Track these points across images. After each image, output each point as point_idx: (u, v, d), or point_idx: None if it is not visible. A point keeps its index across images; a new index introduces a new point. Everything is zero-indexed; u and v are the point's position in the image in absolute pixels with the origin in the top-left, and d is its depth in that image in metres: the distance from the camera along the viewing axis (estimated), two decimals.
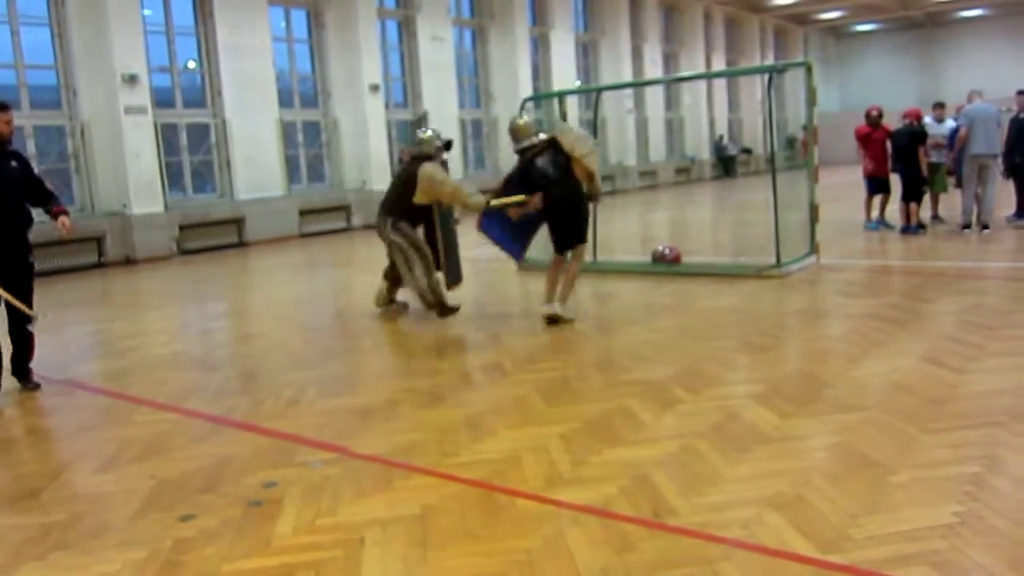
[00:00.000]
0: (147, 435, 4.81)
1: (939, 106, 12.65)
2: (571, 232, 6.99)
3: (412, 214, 7.47)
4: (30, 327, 5.88)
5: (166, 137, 15.05)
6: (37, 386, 5.97)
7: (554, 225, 7.09)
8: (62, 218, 5.95)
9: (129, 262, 13.83)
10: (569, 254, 7.10)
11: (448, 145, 7.70)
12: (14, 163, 5.83)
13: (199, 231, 15.02)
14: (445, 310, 7.57)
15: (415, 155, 7.52)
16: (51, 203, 6.02)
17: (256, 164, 16.13)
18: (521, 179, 7.15)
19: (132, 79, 13.75)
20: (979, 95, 11.45)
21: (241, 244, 15.60)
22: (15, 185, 5.78)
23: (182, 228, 14.73)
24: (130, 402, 5.58)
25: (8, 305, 5.77)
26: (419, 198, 7.31)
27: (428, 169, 7.26)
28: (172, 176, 15.40)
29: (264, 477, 4.03)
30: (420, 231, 7.64)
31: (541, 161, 6.93)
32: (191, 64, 16.01)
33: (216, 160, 15.86)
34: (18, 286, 5.79)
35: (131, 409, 5.41)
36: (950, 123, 12.43)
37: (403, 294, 7.98)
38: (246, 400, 5.45)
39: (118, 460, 4.43)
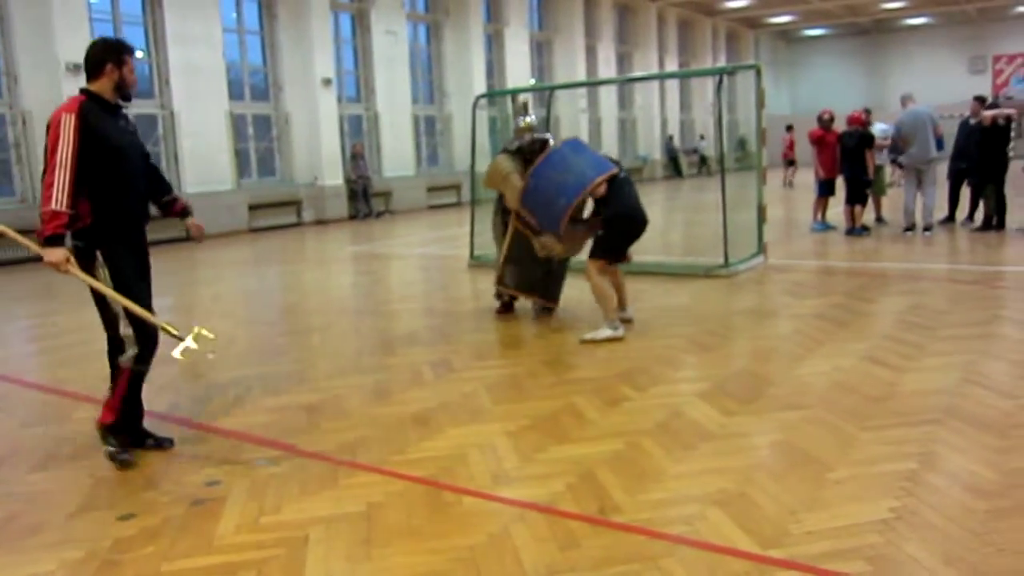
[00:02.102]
0: (86, 432, 4.69)
1: (866, 112, 12.93)
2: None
3: (502, 202, 7.28)
4: (176, 353, 4.12)
5: None
6: (169, 443, 4.42)
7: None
8: (192, 219, 4.69)
9: None
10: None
11: (542, 145, 6.99)
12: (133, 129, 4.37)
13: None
14: (500, 295, 7.55)
15: (505, 145, 7.26)
16: (166, 193, 4.61)
17: (204, 157, 15.87)
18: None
19: (77, 68, 13.39)
20: (912, 100, 11.71)
21: (188, 239, 15.24)
22: (145, 159, 4.40)
23: None
24: (69, 398, 5.46)
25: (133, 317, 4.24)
26: (485, 184, 7.10)
27: (495, 161, 7.01)
28: None
29: (208, 475, 3.98)
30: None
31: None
32: (138, 54, 15.70)
33: (163, 152, 15.57)
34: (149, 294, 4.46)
35: (70, 405, 5.30)
36: (880, 126, 12.77)
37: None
38: (191, 397, 5.37)
39: (56, 458, 4.33)
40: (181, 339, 4.15)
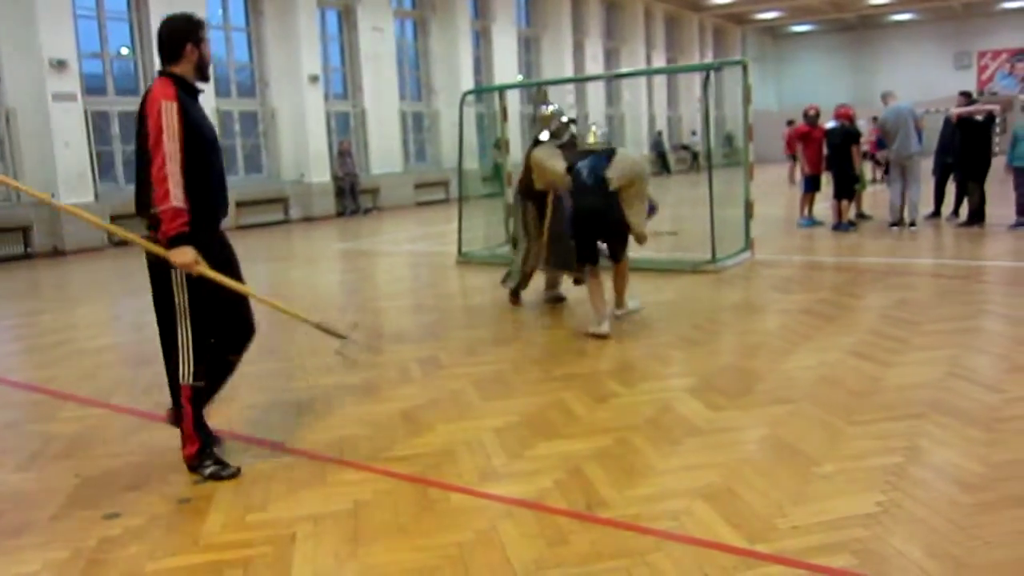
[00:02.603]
0: (72, 431, 4.68)
1: (842, 107, 12.98)
2: (603, 235, 6.51)
3: (532, 196, 7.21)
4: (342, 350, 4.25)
5: (97, 125, 14.64)
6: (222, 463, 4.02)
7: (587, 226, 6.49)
8: None
9: (57, 253, 13.44)
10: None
11: (568, 123, 7.16)
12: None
13: (132, 222, 14.36)
14: (515, 296, 7.65)
15: (535, 137, 7.25)
16: None
17: None
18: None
19: (61, 65, 13.34)
20: (893, 96, 11.77)
21: None
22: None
23: (113, 219, 14.31)
24: (55, 397, 5.42)
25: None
26: (539, 185, 6.96)
27: (536, 155, 6.89)
28: (104, 166, 14.99)
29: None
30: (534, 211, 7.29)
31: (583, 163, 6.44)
32: (124, 50, 15.60)
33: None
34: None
35: (56, 404, 5.26)
36: (860, 123, 12.86)
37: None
38: None
39: (41, 457, 4.31)
40: (341, 336, 4.21)
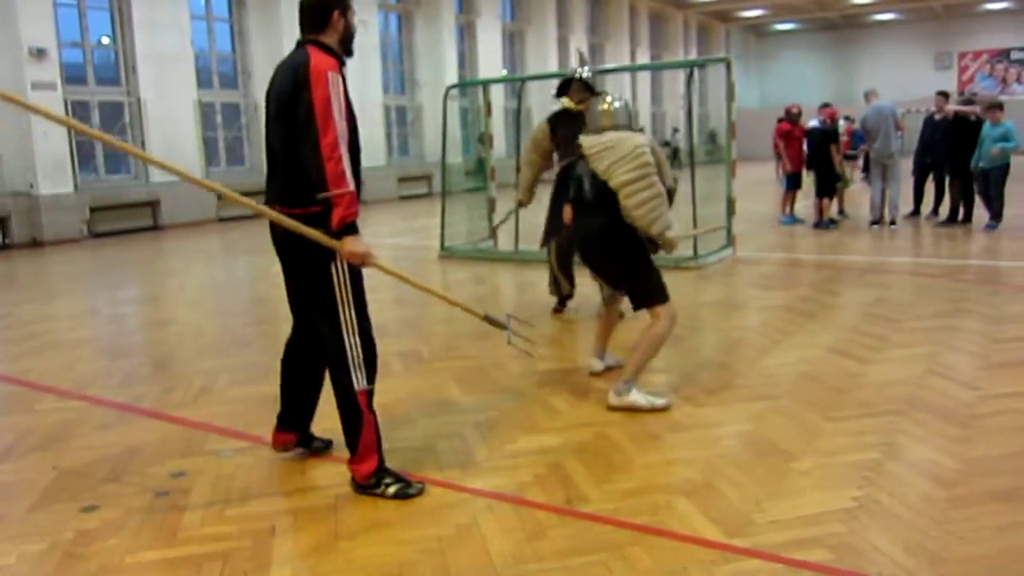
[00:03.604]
0: (49, 423, 4.64)
1: (825, 106, 13.05)
2: (604, 274, 4.86)
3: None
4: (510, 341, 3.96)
5: (77, 115, 14.48)
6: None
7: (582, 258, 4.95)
8: None
9: (36, 244, 13.31)
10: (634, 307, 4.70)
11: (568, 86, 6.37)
12: None
13: (112, 213, 14.53)
14: (560, 304, 7.02)
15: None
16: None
17: (172, 145, 15.64)
18: (559, 182, 6.11)
19: (40, 53, 13.18)
20: (875, 95, 11.85)
21: (156, 227, 15.16)
22: None
23: (93, 210, 14.23)
24: (32, 389, 5.38)
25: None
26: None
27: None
28: (83, 156, 14.86)
29: (173, 467, 3.93)
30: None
31: (583, 167, 4.74)
32: (104, 40, 15.45)
33: (130, 140, 15.34)
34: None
35: (33, 396, 5.21)
36: (841, 122, 12.96)
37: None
38: (156, 388, 5.30)
39: (17, 449, 4.26)
40: (504, 326, 3.98)
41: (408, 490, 3.49)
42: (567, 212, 4.96)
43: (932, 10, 35.18)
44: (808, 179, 12.63)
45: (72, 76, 14.59)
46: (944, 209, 12.01)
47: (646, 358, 4.53)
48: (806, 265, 9.34)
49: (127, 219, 14.79)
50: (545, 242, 6.82)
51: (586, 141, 4.60)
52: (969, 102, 12.38)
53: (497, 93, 19.27)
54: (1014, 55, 36.22)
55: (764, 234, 11.71)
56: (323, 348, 3.50)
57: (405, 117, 22.15)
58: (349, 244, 3.24)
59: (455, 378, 5.23)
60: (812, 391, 4.72)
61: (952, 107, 11.69)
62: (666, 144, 33.45)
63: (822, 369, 5.13)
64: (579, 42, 28.24)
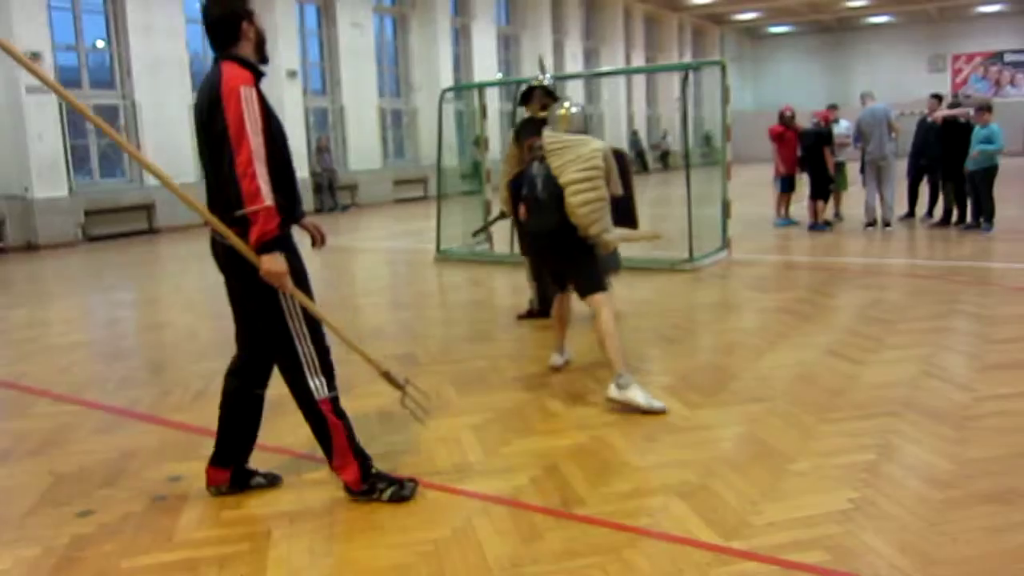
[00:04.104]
0: (45, 428, 4.63)
1: (833, 108, 13.07)
2: (553, 270, 5.24)
3: None
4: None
5: (71, 119, 14.46)
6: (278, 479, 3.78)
7: (534, 256, 5.54)
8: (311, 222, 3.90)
9: (30, 248, 13.28)
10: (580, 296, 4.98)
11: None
12: None
13: (107, 217, 14.51)
14: (530, 313, 6.94)
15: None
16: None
17: (168, 149, 15.59)
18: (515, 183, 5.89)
19: (35, 57, 13.15)
20: (871, 98, 11.89)
21: (151, 231, 15.14)
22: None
23: (88, 213, 14.21)
24: (27, 393, 5.37)
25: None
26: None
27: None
28: (78, 160, 14.83)
29: (169, 471, 3.93)
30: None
31: (537, 168, 4.97)
32: (99, 43, 15.43)
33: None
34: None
35: (28, 401, 5.20)
36: (844, 123, 12.94)
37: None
38: (152, 391, 5.30)
39: (13, 454, 4.26)
40: (402, 388, 3.77)
41: (402, 491, 3.48)
42: (521, 210, 5.15)
43: (926, 13, 35.27)
44: (801, 181, 12.65)
45: (67, 80, 14.55)
46: (938, 211, 12.05)
47: (614, 344, 4.64)
48: (801, 267, 9.36)
49: (122, 223, 14.77)
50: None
51: (548, 136, 4.88)
52: (956, 104, 12.41)
53: (492, 96, 19.28)
54: (1007, 57, 36.31)
55: (759, 236, 11.73)
56: (278, 363, 3.47)
57: (400, 120, 22.15)
58: (266, 262, 3.18)
59: (451, 381, 5.23)
60: (808, 393, 4.72)
61: (940, 113, 11.74)
62: (654, 147, 33.48)
63: (817, 371, 5.14)
64: (574, 45, 28.29)
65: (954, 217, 11.70)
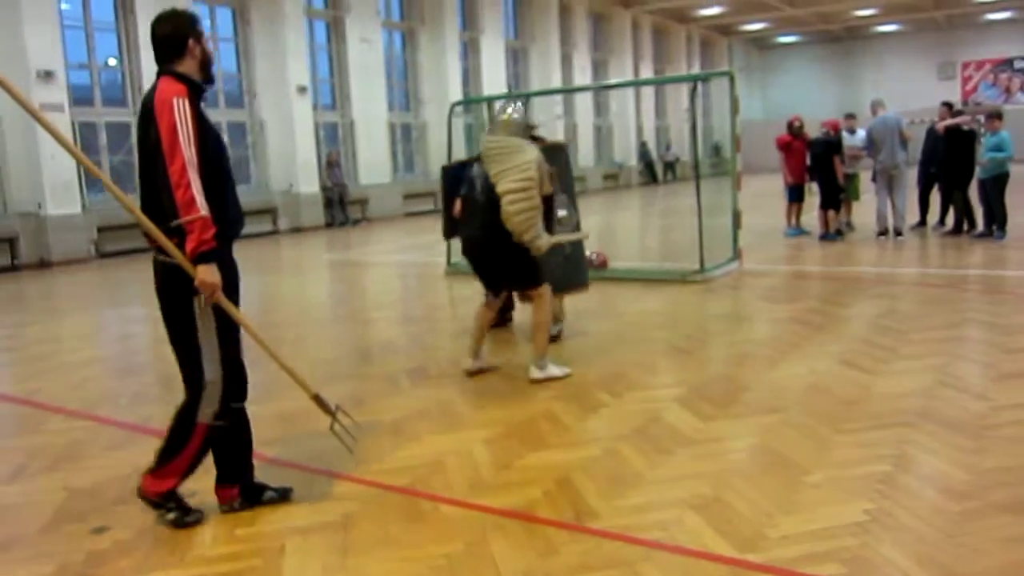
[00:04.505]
0: (59, 444, 4.64)
1: (850, 117, 13.03)
2: (489, 273, 5.55)
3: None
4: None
5: (84, 136, 14.59)
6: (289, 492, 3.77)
7: (469, 258, 5.64)
8: None
9: (44, 264, 13.37)
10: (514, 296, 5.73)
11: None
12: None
13: (120, 233, 14.57)
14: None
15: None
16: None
17: None
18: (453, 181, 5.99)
19: (48, 75, 13.28)
20: (882, 106, 11.87)
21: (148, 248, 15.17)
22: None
23: (101, 230, 14.30)
24: (41, 409, 5.39)
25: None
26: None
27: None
28: (91, 177, 14.91)
29: (183, 487, 3.92)
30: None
31: (476, 170, 5.40)
32: (111, 61, 15.56)
33: (137, 160, 15.41)
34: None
35: (42, 417, 5.22)
36: (861, 133, 12.89)
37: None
38: (164, 407, 5.28)
39: (27, 470, 4.27)
40: (331, 413, 3.77)
41: (185, 518, 3.49)
42: (457, 206, 5.50)
43: (935, 21, 35.23)
44: (812, 190, 12.62)
45: (79, 98, 14.69)
46: (950, 219, 12.00)
47: (545, 335, 5.36)
48: (813, 277, 9.33)
49: (135, 239, 14.76)
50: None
51: (488, 140, 5.24)
52: (958, 113, 12.37)
53: None
54: (1017, 64, 36.25)
55: (770, 246, 11.70)
56: (182, 374, 3.47)
57: (410, 134, 22.23)
58: (201, 272, 3.21)
59: (463, 394, 5.23)
60: (822, 403, 4.70)
61: (942, 124, 11.71)
62: (652, 163, 33.13)
63: (831, 381, 5.12)
64: (582, 58, 28.37)
65: (964, 226, 11.65)
